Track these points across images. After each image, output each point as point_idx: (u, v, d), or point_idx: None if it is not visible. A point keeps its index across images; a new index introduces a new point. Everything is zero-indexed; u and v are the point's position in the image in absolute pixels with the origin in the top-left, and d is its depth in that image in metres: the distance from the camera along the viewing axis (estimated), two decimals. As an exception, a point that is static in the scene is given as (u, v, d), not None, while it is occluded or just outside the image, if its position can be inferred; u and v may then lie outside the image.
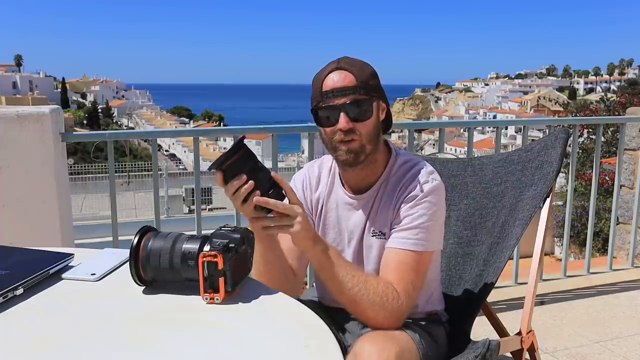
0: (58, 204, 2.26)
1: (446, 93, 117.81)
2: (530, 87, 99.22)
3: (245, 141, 1.17)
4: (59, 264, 1.16)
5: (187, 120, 72.19)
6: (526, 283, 1.61)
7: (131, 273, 1.06)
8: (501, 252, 1.62)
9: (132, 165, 21.02)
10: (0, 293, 1.00)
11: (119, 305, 1.05)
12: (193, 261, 1.04)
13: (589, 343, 2.59)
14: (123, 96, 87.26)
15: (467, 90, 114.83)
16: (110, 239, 2.49)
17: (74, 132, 2.75)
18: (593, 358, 2.45)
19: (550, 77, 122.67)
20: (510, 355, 1.54)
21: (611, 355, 2.47)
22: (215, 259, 1.01)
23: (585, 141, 9.80)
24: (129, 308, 1.04)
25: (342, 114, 1.28)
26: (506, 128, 35.74)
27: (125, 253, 1.21)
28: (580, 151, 9.55)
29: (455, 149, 32.46)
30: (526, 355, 1.56)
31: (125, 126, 69.89)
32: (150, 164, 2.83)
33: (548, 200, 1.60)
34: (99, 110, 71.44)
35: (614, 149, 7.90)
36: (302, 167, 1.56)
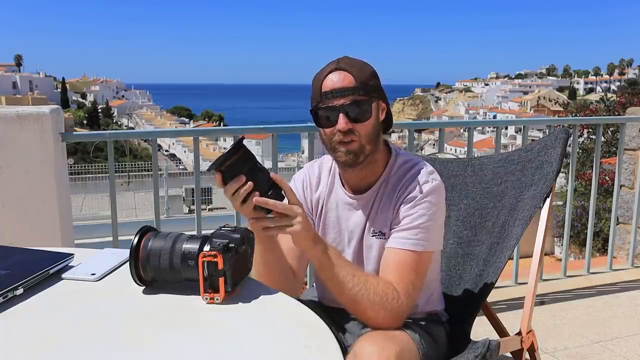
0: (58, 204, 2.26)
1: (446, 93, 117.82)
2: (530, 87, 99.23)
3: (245, 141, 1.17)
4: (59, 264, 1.16)
5: (187, 120, 72.20)
6: (526, 283, 1.61)
7: (131, 273, 1.06)
8: (501, 252, 1.62)
9: (132, 165, 21.01)
10: (0, 293, 1.00)
11: (119, 305, 1.05)
12: (193, 261, 1.04)
13: (589, 343, 2.59)
14: (123, 96, 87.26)
15: (467, 90, 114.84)
16: (110, 239, 2.49)
17: (74, 132, 2.75)
18: (593, 358, 2.45)
19: (550, 77, 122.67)
20: (510, 355, 1.54)
21: (611, 355, 2.47)
22: (215, 259, 1.01)
23: (585, 141, 9.80)
24: (129, 308, 1.04)
25: (341, 115, 1.28)
26: (506, 128, 35.74)
27: (125, 253, 1.21)
28: (580, 151, 9.55)
29: (455, 149, 32.46)
30: (526, 355, 1.56)
31: (125, 126, 69.90)
32: (150, 164, 2.83)
33: (548, 200, 1.60)
34: (99, 110, 71.44)
35: (614, 149, 7.90)
36: (302, 167, 1.56)
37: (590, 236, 3.42)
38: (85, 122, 63.45)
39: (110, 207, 2.50)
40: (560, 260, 3.44)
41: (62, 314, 1.01)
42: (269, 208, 1.15)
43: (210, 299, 1.03)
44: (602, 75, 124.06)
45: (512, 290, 3.08)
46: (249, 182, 1.13)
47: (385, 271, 1.30)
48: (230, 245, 1.03)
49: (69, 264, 1.19)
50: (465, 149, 3.00)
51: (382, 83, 1.37)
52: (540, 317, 2.83)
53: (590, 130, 9.30)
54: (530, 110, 70.93)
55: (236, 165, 1.14)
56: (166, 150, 55.18)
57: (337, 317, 1.40)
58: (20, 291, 1.04)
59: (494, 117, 53.10)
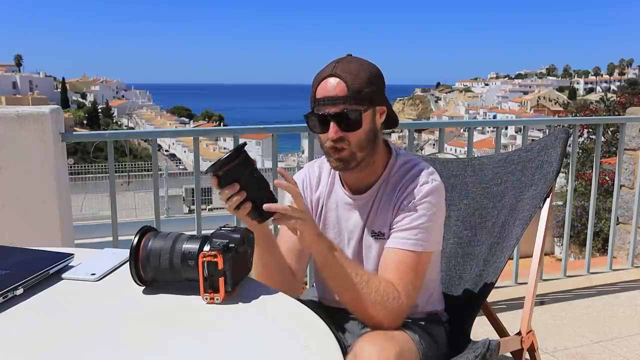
0: (58, 204, 2.26)
1: (446, 93, 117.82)
2: (530, 87, 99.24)
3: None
4: (59, 264, 1.16)
5: (187, 120, 72.19)
6: (526, 283, 1.61)
7: (131, 273, 1.07)
8: (501, 252, 1.62)
9: (132, 165, 21.00)
10: (0, 293, 1.00)
11: (119, 305, 1.05)
12: (193, 261, 1.04)
13: (589, 343, 2.59)
14: (123, 96, 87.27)
15: (467, 90, 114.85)
16: (110, 239, 2.49)
17: (74, 132, 2.75)
18: (593, 358, 2.45)
19: (550, 77, 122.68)
20: (510, 355, 1.54)
21: (611, 355, 2.47)
22: (215, 259, 1.01)
23: (585, 141, 9.80)
24: (129, 308, 1.04)
25: (331, 124, 1.28)
26: (506, 128, 35.75)
27: (125, 253, 1.21)
28: (580, 151, 9.55)
29: (455, 149, 32.46)
30: (526, 355, 1.56)
31: (125, 126, 69.90)
32: (150, 164, 2.83)
33: (548, 200, 1.60)
34: (99, 110, 71.46)
35: (614, 149, 7.90)
36: (302, 167, 1.56)
37: (590, 236, 3.42)
38: (85, 122, 63.46)
39: (110, 207, 2.50)
40: (560, 260, 3.44)
41: (62, 314, 1.01)
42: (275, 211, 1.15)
43: (210, 299, 1.03)
44: (602, 75, 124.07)
45: (512, 290, 3.08)
46: (242, 192, 1.13)
47: (385, 271, 1.30)
48: (230, 245, 1.03)
49: (69, 264, 1.19)
50: (465, 149, 3.00)
51: (382, 84, 1.36)
52: (540, 317, 2.83)
53: (590, 130, 9.30)
54: (530, 110, 70.94)
55: (234, 171, 1.12)
56: (166, 150, 55.18)
57: (337, 317, 1.40)
58: (20, 291, 1.04)
59: (494, 117, 53.11)
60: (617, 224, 3.57)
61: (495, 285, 1.61)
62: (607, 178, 8.12)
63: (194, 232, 2.11)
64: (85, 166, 21.93)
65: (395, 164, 1.39)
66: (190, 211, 15.38)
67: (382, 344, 1.18)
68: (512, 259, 3.18)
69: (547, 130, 8.13)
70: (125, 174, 19.08)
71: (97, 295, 1.09)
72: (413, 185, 1.33)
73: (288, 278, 1.38)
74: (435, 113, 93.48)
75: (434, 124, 9.88)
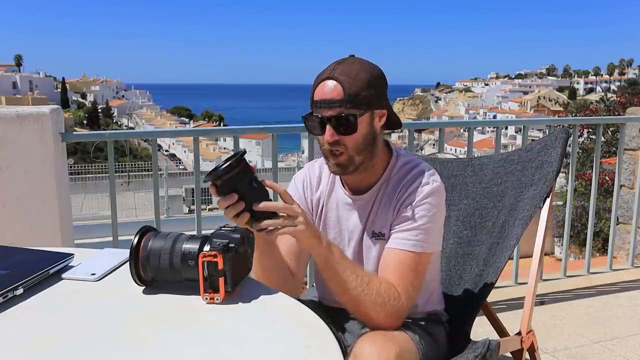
0: (58, 204, 2.26)
1: (446, 93, 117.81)
2: (530, 87, 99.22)
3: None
4: (59, 264, 1.16)
5: (187, 120, 72.19)
6: (526, 283, 1.61)
7: (131, 273, 1.06)
8: (501, 252, 1.62)
9: (132, 165, 20.99)
10: (0, 293, 1.00)
11: (119, 305, 1.05)
12: (193, 261, 1.04)
13: (589, 343, 2.59)
14: (123, 96, 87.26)
15: (467, 90, 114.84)
16: (110, 239, 2.49)
17: (74, 132, 2.75)
18: (593, 358, 2.45)
19: (550, 77, 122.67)
20: (510, 355, 1.54)
21: (611, 355, 2.47)
22: (215, 259, 1.01)
23: (585, 141, 9.81)
24: (129, 308, 1.04)
25: (328, 127, 1.28)
26: (506, 128, 35.75)
27: (125, 253, 1.21)
28: (580, 151, 9.55)
29: (455, 149, 32.46)
30: (526, 355, 1.56)
31: (125, 126, 69.90)
32: (150, 164, 2.83)
33: (548, 200, 1.60)
34: (99, 110, 71.45)
35: (614, 149, 7.90)
36: (302, 167, 1.56)
37: (590, 236, 3.42)
38: (85, 122, 63.46)
39: (110, 207, 2.50)
40: (560, 260, 3.44)
41: (62, 314, 1.01)
42: (268, 211, 1.14)
43: (210, 299, 1.03)
44: (602, 75, 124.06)
45: (512, 290, 3.08)
46: (240, 202, 1.11)
47: (385, 271, 1.30)
48: (230, 245, 1.03)
49: (69, 264, 1.19)
50: (465, 149, 3.00)
51: (383, 84, 1.35)
52: (540, 317, 2.83)
53: (590, 130, 9.30)
54: (530, 110, 70.94)
55: (233, 180, 1.11)
56: (166, 150, 55.18)
57: (337, 317, 1.40)
58: (20, 291, 1.04)
59: (494, 117, 53.10)
60: (617, 224, 3.57)
61: (495, 285, 1.61)
62: (607, 178, 8.13)
63: (194, 232, 2.11)
64: (85, 166, 21.93)
65: (396, 164, 1.39)
66: (190, 211, 15.38)
67: (382, 344, 1.18)
68: (512, 259, 3.18)
69: (547, 130, 8.13)
70: (125, 174, 19.08)
71: (97, 295, 1.09)
72: (414, 186, 1.33)
73: (287, 279, 1.38)
74: (435, 113, 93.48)
75: (434, 124, 9.88)
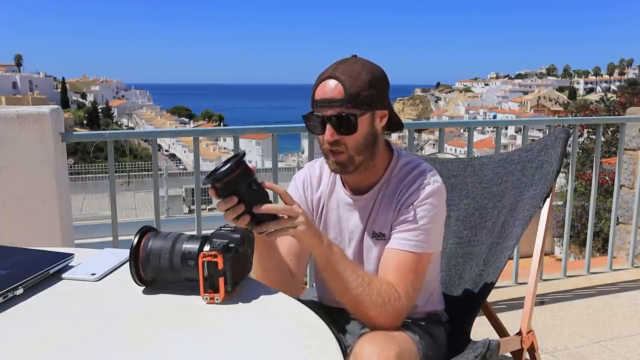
0: (58, 204, 2.26)
1: (446, 93, 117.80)
2: (530, 87, 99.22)
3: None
4: (59, 264, 1.16)
5: (187, 120, 72.18)
6: (526, 283, 1.61)
7: (131, 273, 1.06)
8: (501, 252, 1.62)
9: (132, 165, 20.99)
10: (0, 293, 1.00)
11: (119, 305, 1.05)
12: (193, 261, 1.04)
13: (589, 343, 2.59)
14: (123, 96, 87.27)
15: (467, 90, 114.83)
16: (110, 239, 2.49)
17: (74, 132, 2.75)
18: (593, 358, 2.45)
19: (550, 77, 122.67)
20: (510, 355, 1.54)
21: (611, 355, 2.47)
22: (215, 259, 1.01)
23: (585, 141, 9.81)
24: (129, 308, 1.04)
25: (328, 126, 1.27)
26: (506, 128, 35.75)
27: (125, 253, 1.21)
28: (580, 151, 9.55)
29: (455, 149, 32.46)
30: (526, 355, 1.56)
31: (125, 126, 69.89)
32: (150, 164, 2.83)
33: (548, 200, 1.60)
34: (99, 110, 71.45)
35: (614, 149, 7.90)
36: (302, 167, 1.56)
37: (590, 236, 3.42)
38: (85, 122, 63.46)
39: (110, 207, 2.50)
40: (560, 260, 3.44)
41: (62, 314, 1.01)
42: (269, 213, 1.14)
43: (210, 299, 1.03)
44: (602, 75, 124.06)
45: (512, 290, 3.08)
46: (240, 205, 1.11)
47: (385, 272, 1.30)
48: (230, 245, 1.03)
49: (69, 264, 1.19)
50: (465, 149, 3.00)
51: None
52: (540, 317, 2.83)
53: (590, 130, 9.30)
54: (530, 110, 70.94)
55: (233, 183, 1.10)
56: (166, 150, 55.17)
57: (337, 317, 1.40)
58: (20, 291, 1.04)
59: (494, 117, 53.10)
60: (617, 224, 3.57)
61: (495, 285, 1.61)
62: (607, 178, 8.13)
63: (194, 232, 2.11)
64: (85, 166, 21.93)
65: (397, 164, 1.39)
66: (190, 211, 15.38)
67: (382, 344, 1.18)
68: (512, 259, 3.18)
69: (547, 130, 8.13)
70: (125, 174, 19.08)
71: (97, 295, 1.09)
72: (414, 187, 1.33)
73: (287, 279, 1.38)
74: (435, 113, 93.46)
75: (434, 124, 9.88)
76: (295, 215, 1.16)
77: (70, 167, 16.13)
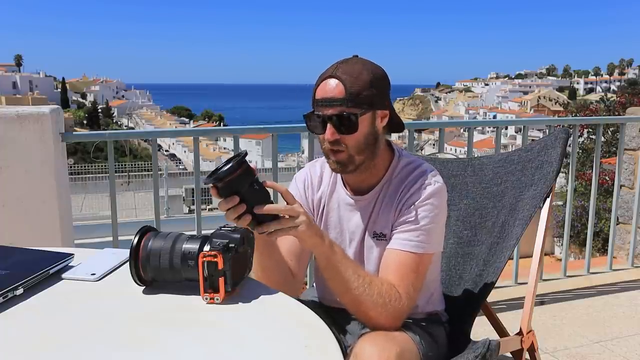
0: (58, 204, 2.26)
1: (446, 93, 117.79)
2: (530, 87, 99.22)
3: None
4: (59, 264, 1.16)
5: (187, 120, 72.18)
6: (526, 283, 1.61)
7: (131, 273, 1.07)
8: (501, 252, 1.62)
9: (132, 165, 20.99)
10: (0, 293, 1.00)
11: (119, 305, 1.05)
12: (193, 261, 1.04)
13: (589, 343, 2.59)
14: (123, 96, 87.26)
15: (467, 90, 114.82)
16: (110, 239, 2.49)
17: (74, 132, 2.75)
18: (593, 358, 2.45)
19: (550, 77, 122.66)
20: (510, 355, 1.54)
21: (611, 355, 2.47)
22: (215, 259, 1.01)
23: (585, 141, 9.81)
24: (129, 308, 1.04)
25: (328, 125, 1.27)
26: (506, 128, 35.74)
27: (125, 253, 1.21)
28: (580, 151, 9.55)
29: (455, 149, 32.45)
30: (526, 355, 1.56)
31: (125, 126, 69.89)
32: (150, 164, 2.83)
33: (548, 200, 1.60)
34: (99, 110, 71.45)
35: (614, 149, 7.90)
36: (302, 167, 1.56)
37: (590, 236, 3.42)
38: (85, 122, 63.46)
39: (110, 207, 2.50)
40: (560, 260, 3.44)
41: (62, 314, 1.01)
42: (270, 213, 1.14)
43: (210, 299, 1.03)
44: (602, 75, 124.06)
45: (512, 290, 3.08)
46: (242, 204, 1.10)
47: (386, 272, 1.29)
48: (230, 245, 1.03)
49: (69, 264, 1.19)
50: (465, 149, 3.00)
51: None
52: (540, 317, 2.83)
53: (590, 130, 9.30)
54: (530, 110, 70.94)
55: (235, 182, 1.10)
56: (166, 150, 55.16)
57: (337, 317, 1.40)
58: (20, 291, 1.04)
59: (494, 117, 53.09)
60: (617, 224, 3.57)
61: (495, 285, 1.61)
62: (607, 178, 8.13)
63: (194, 232, 2.11)
64: (85, 166, 21.93)
65: (398, 165, 1.39)
66: (190, 211, 15.38)
67: (382, 344, 1.18)
68: (512, 259, 3.18)
69: (547, 130, 8.13)
70: (125, 174, 19.08)
71: (97, 295, 1.09)
72: (415, 187, 1.32)
73: (288, 279, 1.38)
74: (435, 113, 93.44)
75: (434, 124, 9.87)
76: (297, 214, 1.16)
77: (70, 167, 16.13)
